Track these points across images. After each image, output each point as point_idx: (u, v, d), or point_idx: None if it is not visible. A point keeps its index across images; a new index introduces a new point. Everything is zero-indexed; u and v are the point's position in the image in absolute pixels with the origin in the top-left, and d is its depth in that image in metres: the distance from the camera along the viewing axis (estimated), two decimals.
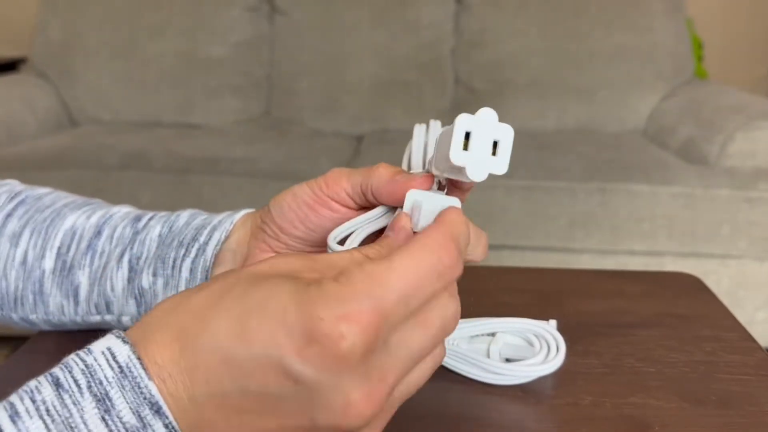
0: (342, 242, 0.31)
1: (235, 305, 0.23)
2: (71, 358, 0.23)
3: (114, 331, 0.24)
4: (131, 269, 0.39)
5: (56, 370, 0.22)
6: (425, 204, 0.29)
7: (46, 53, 1.85)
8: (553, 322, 0.42)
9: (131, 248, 0.39)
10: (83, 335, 0.43)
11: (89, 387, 0.22)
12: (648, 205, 1.33)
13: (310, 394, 0.22)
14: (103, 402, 0.22)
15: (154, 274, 0.38)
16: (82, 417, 0.21)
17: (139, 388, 0.22)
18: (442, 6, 1.82)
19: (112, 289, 0.39)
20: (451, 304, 0.25)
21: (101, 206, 0.43)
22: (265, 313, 0.22)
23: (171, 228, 0.40)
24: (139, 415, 0.22)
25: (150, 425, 0.22)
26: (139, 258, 0.39)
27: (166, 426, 0.22)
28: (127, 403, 0.22)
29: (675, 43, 1.77)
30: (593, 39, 1.75)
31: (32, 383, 0.22)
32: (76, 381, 0.22)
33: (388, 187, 0.30)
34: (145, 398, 0.22)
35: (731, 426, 0.36)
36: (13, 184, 0.44)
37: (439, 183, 0.30)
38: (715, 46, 2.24)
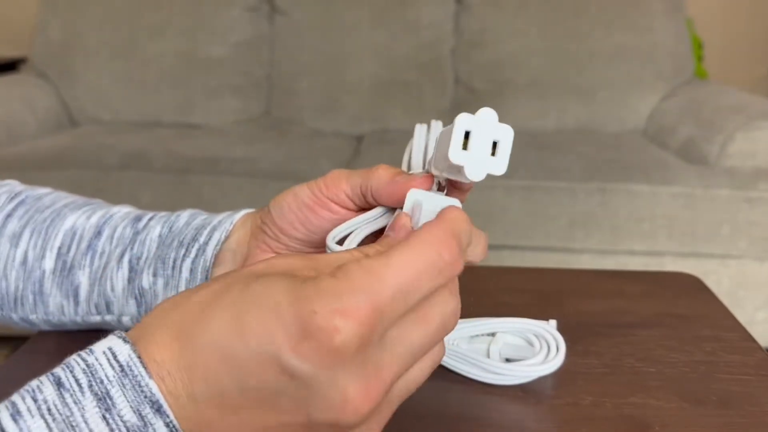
0: (341, 242, 0.31)
1: (233, 303, 0.23)
2: (73, 359, 0.23)
3: (116, 332, 0.24)
4: (131, 269, 0.39)
5: (58, 370, 0.22)
6: (425, 204, 0.29)
7: (46, 53, 1.85)
8: (553, 322, 0.42)
9: (131, 248, 0.39)
10: (83, 335, 0.43)
11: (90, 386, 0.22)
12: (648, 205, 1.33)
13: (306, 389, 0.22)
14: (104, 401, 0.22)
15: (155, 275, 0.38)
16: (83, 416, 0.22)
17: (140, 386, 0.22)
18: (442, 6, 1.82)
19: (113, 290, 0.39)
20: (451, 301, 0.25)
21: (101, 206, 0.43)
22: (262, 309, 0.22)
23: (171, 228, 0.40)
24: (140, 414, 0.22)
25: (151, 424, 0.22)
26: (139, 258, 0.39)
27: (166, 425, 0.22)
28: (128, 401, 0.22)
29: (675, 43, 1.77)
30: (593, 39, 1.75)
31: (34, 383, 0.22)
32: (77, 380, 0.22)
33: (388, 189, 0.30)
34: (145, 397, 0.22)
35: (731, 426, 0.36)
36: (13, 185, 0.44)
37: (439, 184, 0.30)
38: (715, 46, 2.24)
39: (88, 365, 0.22)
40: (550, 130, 1.75)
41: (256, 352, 0.22)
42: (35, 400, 0.22)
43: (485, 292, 0.52)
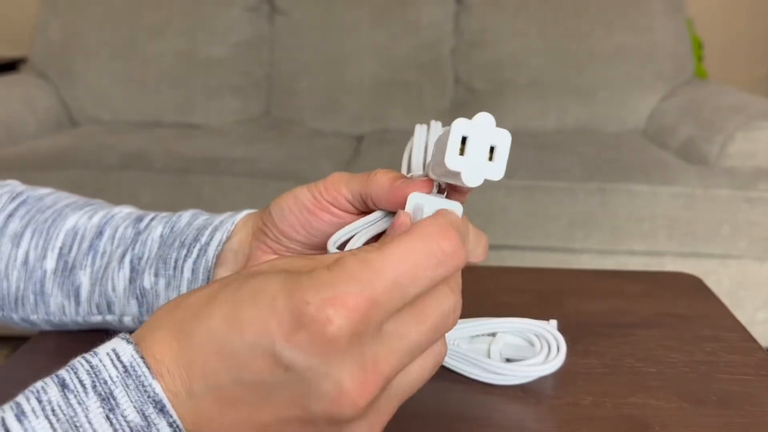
0: (341, 247, 0.31)
1: (229, 299, 0.23)
2: (77, 360, 0.23)
3: (120, 334, 0.24)
4: (133, 269, 0.39)
5: (62, 372, 0.23)
6: (426, 207, 0.29)
7: (46, 53, 1.85)
8: (553, 322, 0.42)
9: (133, 249, 0.39)
10: (84, 335, 0.43)
11: (94, 386, 0.22)
12: (648, 205, 1.33)
13: (302, 381, 0.22)
14: (108, 401, 0.22)
15: (156, 275, 0.38)
16: (86, 416, 0.22)
17: (143, 386, 0.22)
18: (442, 6, 1.82)
19: (114, 290, 0.39)
20: (451, 297, 0.25)
21: (103, 207, 0.43)
22: (257, 302, 0.22)
23: (172, 228, 0.40)
24: (144, 414, 0.22)
25: (154, 424, 0.22)
26: (140, 258, 0.39)
27: (170, 424, 0.22)
28: (132, 401, 0.22)
29: (675, 43, 1.77)
30: (593, 39, 1.75)
31: (38, 384, 0.22)
32: (81, 381, 0.22)
33: (388, 195, 0.30)
34: (149, 397, 0.22)
35: (731, 426, 0.36)
36: (14, 185, 0.44)
37: (439, 186, 0.30)
38: (715, 46, 2.24)
39: (92, 366, 0.22)
40: (550, 130, 1.75)
41: (251, 346, 0.22)
42: (39, 401, 0.22)
43: (485, 292, 0.52)
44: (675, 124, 1.59)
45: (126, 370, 0.22)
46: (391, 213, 0.31)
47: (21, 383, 0.23)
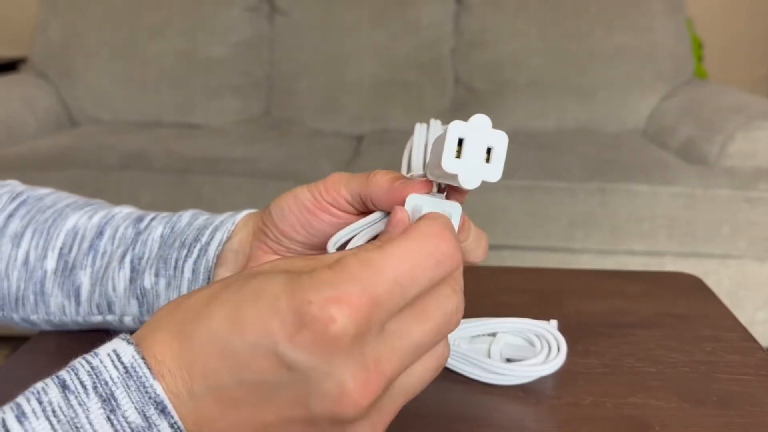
0: (342, 248, 0.31)
1: (230, 299, 0.23)
2: (78, 361, 0.23)
3: (121, 335, 0.24)
4: (133, 269, 0.39)
5: (63, 373, 0.23)
6: (425, 208, 0.29)
7: (46, 53, 1.85)
8: (554, 322, 0.42)
9: (133, 249, 0.39)
10: (84, 335, 0.43)
11: (95, 387, 0.22)
12: (648, 205, 1.33)
13: (304, 381, 0.22)
14: (109, 402, 0.22)
15: (156, 275, 0.38)
16: (87, 417, 0.22)
17: (144, 387, 0.22)
18: (442, 6, 1.82)
19: (114, 290, 0.39)
20: (453, 297, 0.25)
21: (103, 207, 0.43)
22: (258, 302, 0.22)
23: (173, 228, 0.40)
24: (145, 415, 0.22)
25: (155, 425, 0.22)
26: (141, 258, 0.39)
27: (171, 426, 0.22)
28: (133, 402, 0.22)
29: (675, 43, 1.77)
30: (593, 39, 1.75)
31: (39, 385, 0.22)
32: (81, 382, 0.22)
33: (387, 196, 0.30)
34: (150, 398, 0.22)
35: (731, 426, 0.36)
36: (15, 185, 0.44)
37: (439, 186, 0.30)
38: (715, 46, 2.24)
39: (92, 367, 0.22)
40: (550, 130, 1.75)
41: (253, 346, 0.22)
42: (40, 402, 0.22)
43: (485, 292, 0.52)
44: (675, 124, 1.59)
45: (127, 371, 0.22)
46: (390, 214, 0.31)
47: (21, 383, 0.23)
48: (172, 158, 1.43)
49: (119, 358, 0.22)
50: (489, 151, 0.27)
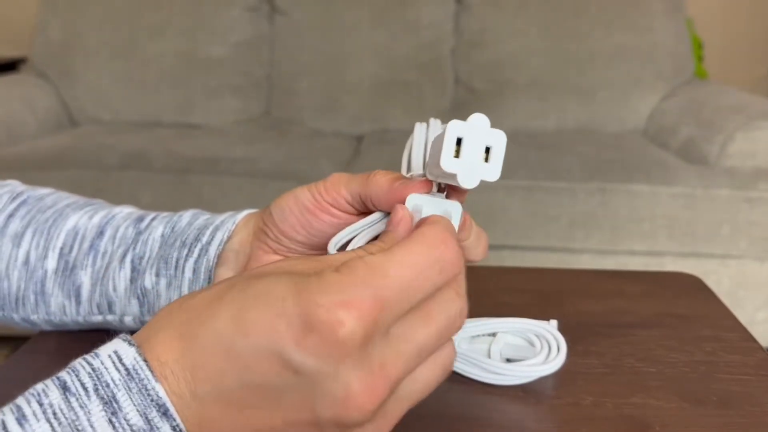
0: (342, 249, 0.31)
1: (235, 301, 0.23)
2: (78, 362, 0.23)
3: (121, 335, 0.24)
4: (134, 269, 0.39)
5: (63, 374, 0.22)
6: (425, 208, 0.29)
7: (46, 53, 1.85)
8: (554, 322, 0.42)
9: (134, 248, 0.39)
10: (84, 335, 0.43)
11: (96, 390, 0.22)
12: (648, 205, 1.33)
13: (311, 384, 0.22)
14: (110, 404, 0.22)
15: (157, 275, 0.38)
16: (89, 420, 0.21)
17: (146, 390, 0.22)
18: (442, 6, 1.82)
19: (115, 290, 0.39)
20: (456, 301, 0.25)
21: (103, 206, 0.43)
22: (264, 304, 0.22)
23: (173, 228, 0.40)
24: (146, 417, 0.22)
25: (157, 428, 0.22)
26: (141, 258, 0.39)
27: (173, 428, 0.22)
28: (134, 405, 0.22)
29: (675, 43, 1.77)
30: (593, 39, 1.75)
31: (39, 386, 0.22)
32: (83, 384, 0.22)
33: (387, 196, 0.30)
34: (152, 400, 0.22)
35: (731, 426, 0.36)
36: (15, 185, 0.44)
37: (439, 185, 0.30)
38: (715, 46, 2.24)
39: (93, 369, 0.22)
40: (550, 130, 1.75)
41: (259, 349, 0.22)
42: (41, 404, 0.21)
43: (485, 292, 0.52)
44: (675, 124, 1.59)
45: (128, 373, 0.22)
46: (389, 214, 0.31)
47: (21, 383, 0.23)
48: (172, 158, 1.43)
49: (120, 360, 0.22)
50: (488, 150, 0.27)
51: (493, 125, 0.27)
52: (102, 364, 0.22)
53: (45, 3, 1.86)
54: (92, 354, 0.23)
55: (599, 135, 1.69)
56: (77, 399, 0.22)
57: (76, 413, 0.21)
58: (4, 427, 0.21)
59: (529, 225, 1.36)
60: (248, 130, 1.76)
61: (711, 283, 1.30)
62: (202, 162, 1.41)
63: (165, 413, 0.22)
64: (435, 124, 0.34)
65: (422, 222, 0.27)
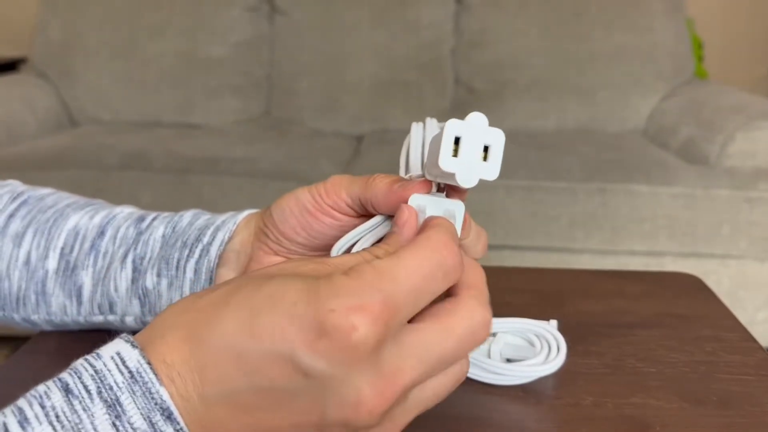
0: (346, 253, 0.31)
1: (244, 303, 0.23)
2: (80, 363, 0.22)
3: (122, 335, 0.23)
4: (135, 269, 0.39)
5: (65, 376, 0.22)
6: (428, 208, 0.29)
7: (46, 53, 1.85)
8: (554, 322, 0.42)
9: (135, 249, 0.39)
10: (85, 335, 0.43)
11: (99, 392, 0.22)
12: (648, 205, 1.33)
13: (321, 388, 0.22)
14: (114, 408, 0.21)
15: (158, 275, 0.38)
16: (92, 423, 0.21)
17: (150, 393, 0.22)
18: (442, 6, 1.82)
19: (116, 290, 0.39)
20: (478, 310, 0.25)
21: (104, 207, 0.43)
22: (275, 307, 0.22)
23: (174, 228, 0.40)
24: (150, 421, 0.22)
25: (161, 431, 0.22)
26: (142, 258, 0.39)
27: None
28: (138, 408, 0.22)
29: (675, 43, 1.77)
30: (593, 39, 1.75)
31: (41, 388, 0.22)
32: (85, 386, 0.22)
33: (387, 199, 0.30)
34: (156, 404, 0.22)
35: (732, 426, 0.36)
36: (15, 185, 0.44)
37: (438, 185, 0.30)
38: (715, 46, 2.24)
39: (96, 371, 0.22)
40: (550, 130, 1.75)
41: (269, 352, 0.22)
42: (43, 407, 0.21)
43: None
44: (675, 124, 1.59)
45: (132, 376, 0.22)
46: (391, 217, 0.31)
47: (21, 383, 0.23)
48: (172, 158, 1.43)
49: (124, 362, 0.22)
50: (486, 149, 0.27)
51: (493, 125, 0.26)
52: (105, 365, 0.22)
53: (45, 3, 1.86)
54: (94, 355, 0.23)
55: (599, 135, 1.69)
56: (80, 402, 0.21)
57: (79, 416, 0.21)
58: (6, 430, 0.21)
59: (529, 225, 1.36)
60: (248, 130, 1.76)
61: (711, 283, 1.30)
62: (202, 162, 1.41)
63: (169, 417, 0.22)
64: (431, 123, 0.34)
65: (425, 225, 0.27)
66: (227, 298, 0.23)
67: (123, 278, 0.39)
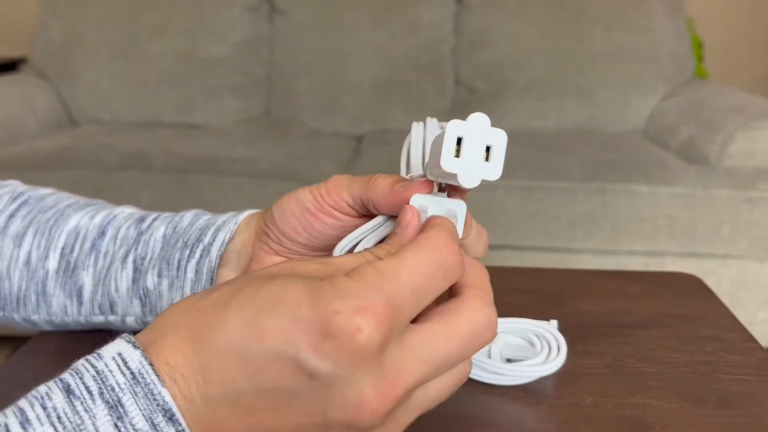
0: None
1: (247, 303, 0.23)
2: (81, 364, 0.22)
3: (124, 335, 0.23)
4: (136, 270, 0.39)
5: (66, 376, 0.22)
6: (430, 208, 0.29)
7: (46, 53, 1.85)
8: (554, 323, 0.42)
9: (135, 249, 0.39)
10: (85, 335, 0.43)
11: (101, 393, 0.22)
12: (648, 205, 1.33)
13: (325, 389, 0.22)
14: (116, 409, 0.21)
15: (159, 275, 0.38)
16: (94, 424, 0.21)
17: (152, 395, 0.22)
18: (442, 6, 1.82)
19: (117, 290, 0.39)
20: (483, 310, 0.25)
21: (104, 207, 0.43)
22: (279, 309, 0.22)
23: (175, 229, 0.40)
24: (153, 423, 0.22)
25: None
26: (143, 258, 0.39)
27: None
28: (140, 410, 0.22)
29: (675, 43, 1.77)
30: (593, 39, 1.75)
31: (42, 389, 0.22)
32: (87, 387, 0.22)
33: (389, 199, 0.30)
34: (158, 405, 0.22)
35: (732, 426, 0.36)
36: (15, 185, 0.44)
37: (440, 185, 0.30)
38: (715, 46, 2.24)
39: (98, 371, 0.22)
40: (550, 130, 1.75)
41: (273, 353, 0.22)
42: (44, 408, 0.21)
43: None
44: (675, 124, 1.59)
45: (134, 377, 0.22)
46: (393, 217, 0.31)
47: (22, 383, 0.23)
48: (172, 158, 1.43)
49: (125, 363, 0.22)
50: (488, 149, 0.27)
51: (493, 125, 0.27)
52: (106, 366, 0.22)
53: (45, 3, 1.86)
54: (95, 355, 0.23)
55: (599, 135, 1.69)
56: (82, 403, 0.21)
57: (81, 417, 0.21)
58: (8, 431, 0.21)
59: (529, 225, 1.36)
60: (248, 130, 1.76)
61: (711, 283, 1.30)
62: (202, 162, 1.41)
63: (171, 418, 0.22)
64: (432, 123, 0.34)
65: (426, 225, 0.27)
66: (229, 298, 0.23)
67: (124, 278, 0.39)
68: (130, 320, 0.40)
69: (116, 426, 0.21)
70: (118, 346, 0.23)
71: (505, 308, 0.47)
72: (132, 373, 0.22)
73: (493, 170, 0.27)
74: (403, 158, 0.34)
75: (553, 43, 1.76)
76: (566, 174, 1.36)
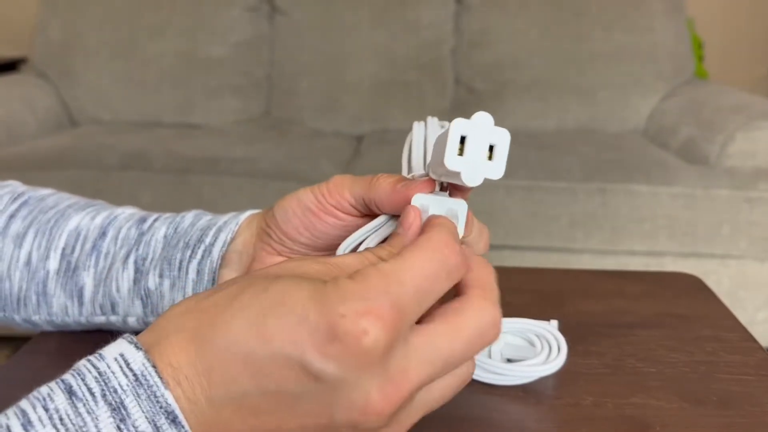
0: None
1: (252, 305, 0.23)
2: (83, 365, 0.22)
3: (125, 335, 0.23)
4: (137, 270, 0.39)
5: (68, 377, 0.22)
6: (432, 207, 0.29)
7: (46, 53, 1.85)
8: (554, 323, 0.42)
9: (137, 249, 0.39)
10: (86, 335, 0.43)
11: (103, 395, 0.22)
12: (648, 205, 1.33)
13: (331, 391, 0.22)
14: (118, 411, 0.21)
15: (161, 276, 0.38)
16: (96, 426, 0.21)
17: (155, 397, 0.22)
18: (442, 6, 1.82)
19: (118, 290, 0.39)
20: (488, 309, 0.25)
21: (105, 207, 0.43)
22: (284, 311, 0.22)
23: (176, 229, 0.40)
24: (155, 425, 0.21)
25: None
26: (144, 259, 0.39)
27: None
28: (143, 412, 0.21)
29: (675, 43, 1.77)
30: (594, 39, 1.75)
31: (44, 390, 0.22)
32: (89, 389, 0.22)
33: (391, 198, 0.30)
34: (161, 407, 0.22)
35: (732, 426, 0.36)
36: (16, 185, 0.44)
37: (441, 185, 0.30)
38: (715, 46, 2.24)
39: (100, 373, 0.22)
40: (550, 130, 1.75)
41: (278, 355, 0.22)
42: (46, 410, 0.21)
43: None
44: (675, 124, 1.59)
45: (137, 379, 0.22)
46: (395, 216, 0.31)
47: (22, 384, 0.23)
48: (172, 158, 1.43)
49: (128, 365, 0.22)
50: (491, 148, 0.27)
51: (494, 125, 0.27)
52: (108, 367, 0.22)
53: (45, 3, 1.86)
54: (97, 356, 0.23)
55: (599, 135, 1.69)
56: (84, 404, 0.21)
57: (83, 419, 0.21)
58: None
59: (530, 225, 1.36)
60: (248, 130, 1.76)
61: (711, 283, 1.30)
62: (202, 162, 1.41)
63: (174, 420, 0.22)
64: (432, 122, 0.34)
65: (426, 225, 0.27)
66: (232, 299, 0.23)
67: (125, 279, 0.39)
68: (132, 321, 0.40)
69: (119, 428, 0.21)
70: (120, 346, 0.23)
71: (506, 308, 0.47)
72: (135, 374, 0.22)
73: (496, 169, 0.27)
74: (405, 158, 0.34)
75: (553, 43, 1.76)
76: (566, 174, 1.36)
